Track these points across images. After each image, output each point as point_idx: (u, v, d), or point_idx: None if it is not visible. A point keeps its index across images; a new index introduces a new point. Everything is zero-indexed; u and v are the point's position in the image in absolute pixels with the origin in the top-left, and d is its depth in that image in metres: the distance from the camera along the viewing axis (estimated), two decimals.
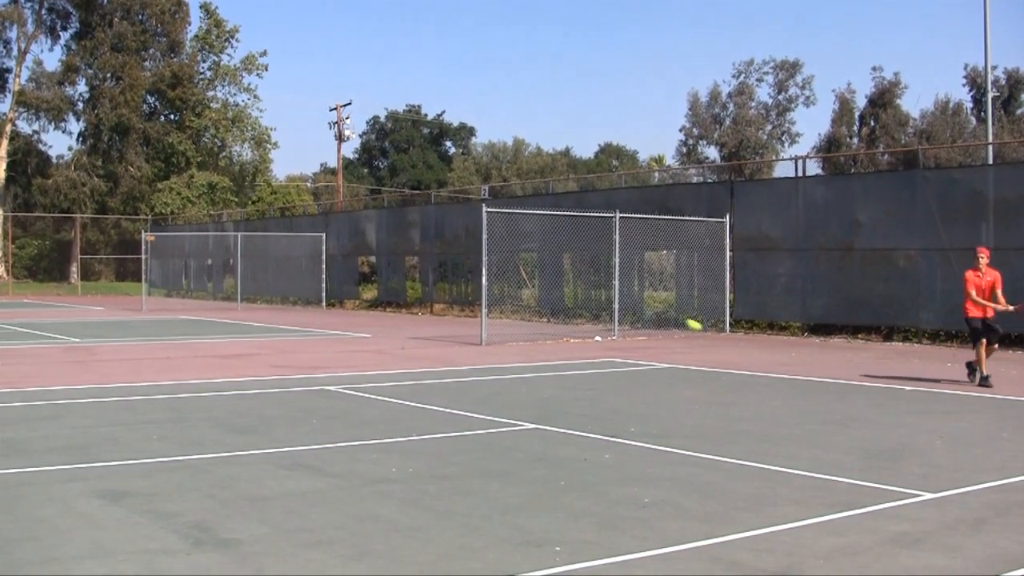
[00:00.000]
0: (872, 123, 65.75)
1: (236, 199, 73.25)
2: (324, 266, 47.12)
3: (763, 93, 75.13)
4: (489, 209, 26.01)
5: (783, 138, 75.59)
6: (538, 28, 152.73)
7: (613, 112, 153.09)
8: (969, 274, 17.93)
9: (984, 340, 17.30)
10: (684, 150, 76.18)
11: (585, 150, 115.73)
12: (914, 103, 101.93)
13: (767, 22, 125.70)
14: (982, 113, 57.89)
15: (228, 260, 53.62)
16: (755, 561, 6.84)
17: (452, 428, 12.32)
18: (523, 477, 9.53)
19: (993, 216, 25.57)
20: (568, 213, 30.80)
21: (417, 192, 78.39)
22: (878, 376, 18.50)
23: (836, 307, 28.23)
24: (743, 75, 74.68)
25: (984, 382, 17.02)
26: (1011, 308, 17.56)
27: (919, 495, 8.75)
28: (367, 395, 15.55)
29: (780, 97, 74.74)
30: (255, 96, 75.92)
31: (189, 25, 77.18)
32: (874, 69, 67.73)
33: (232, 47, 77.00)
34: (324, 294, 47.01)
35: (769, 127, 75.31)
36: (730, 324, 30.04)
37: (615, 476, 9.60)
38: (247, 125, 75.71)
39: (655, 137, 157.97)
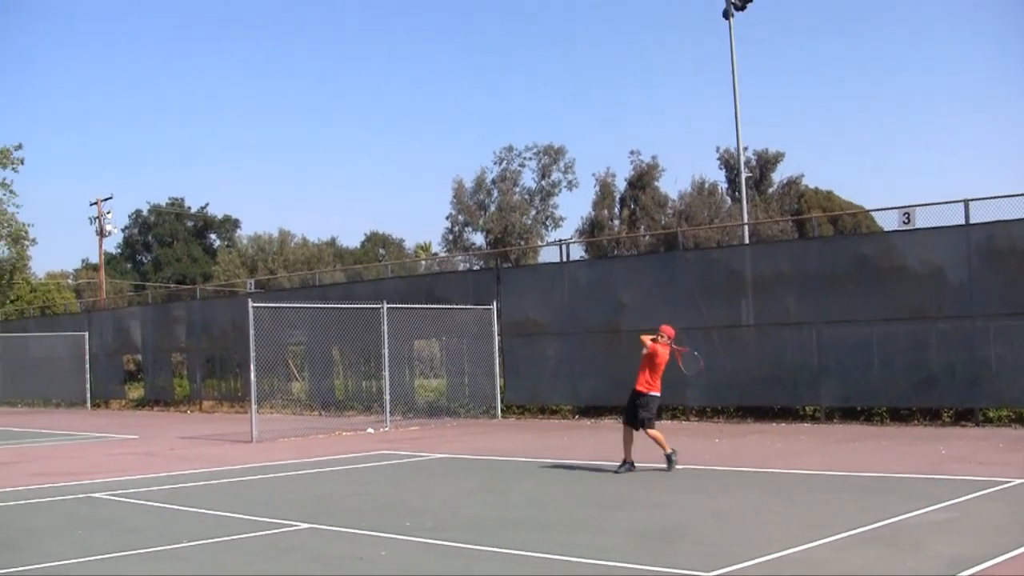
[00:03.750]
0: (632, 205, 67.28)
1: None
2: (88, 365, 45.62)
3: (527, 178, 76.23)
4: (255, 304, 25.66)
5: (547, 222, 76.71)
6: (297, 117, 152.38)
7: (378, 200, 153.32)
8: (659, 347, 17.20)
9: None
10: (451, 237, 76.62)
11: (352, 239, 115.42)
12: (672, 184, 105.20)
13: (529, 108, 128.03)
14: (736, 193, 59.93)
15: None
16: None
17: (224, 532, 11.99)
18: None
19: (752, 293, 26.41)
20: (335, 305, 30.64)
21: (182, 287, 77.05)
22: (645, 459, 18.77)
23: (605, 388, 28.58)
24: (505, 161, 75.61)
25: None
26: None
27: (695, 575, 8.88)
28: (136, 501, 15.07)
29: (544, 182, 75.90)
30: (11, 191, 73.31)
31: None
32: (632, 152, 69.52)
33: None
34: (88, 395, 45.46)
35: (533, 212, 76.40)
36: (502, 410, 30.14)
37: (391, 574, 9.49)
38: (3, 221, 73.22)
39: (422, 224, 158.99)
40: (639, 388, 16.95)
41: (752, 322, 26.44)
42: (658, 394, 17.00)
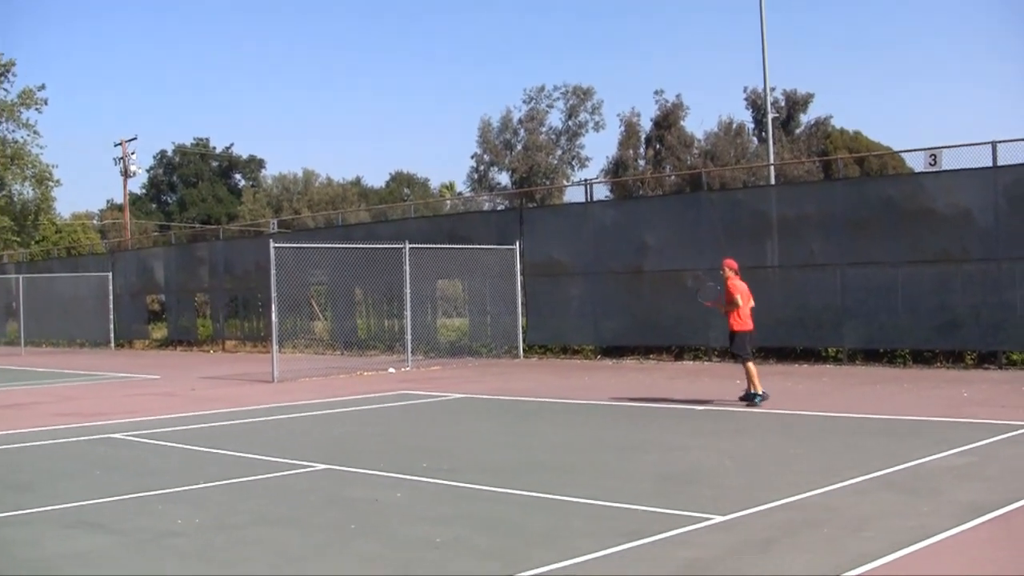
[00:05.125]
0: (658, 145, 66.90)
1: (18, 239, 70.85)
2: (112, 305, 45.84)
3: (554, 119, 75.87)
4: (277, 244, 25.62)
5: (573, 163, 76.47)
6: (325, 56, 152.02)
7: (404, 140, 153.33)
8: (740, 284, 17.86)
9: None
10: (475, 176, 76.43)
11: (376, 179, 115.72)
12: (698, 125, 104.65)
13: (557, 48, 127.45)
14: (763, 134, 59.46)
15: (11, 304, 51.67)
16: None
17: (242, 473, 12.02)
18: (314, 522, 9.32)
19: (777, 235, 26.25)
20: (357, 246, 30.57)
21: (207, 227, 77.07)
22: (668, 399, 18.75)
23: (628, 329, 28.60)
24: (534, 101, 75.26)
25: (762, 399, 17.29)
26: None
27: (710, 519, 8.84)
28: (155, 442, 15.11)
29: (570, 123, 75.59)
30: (35, 132, 73.17)
31: None
32: (656, 92, 68.98)
33: (8, 81, 74.32)
34: (112, 335, 45.71)
35: (559, 152, 76.09)
36: (524, 350, 30.15)
37: (407, 516, 9.47)
38: (27, 163, 73.24)
39: (446, 164, 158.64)
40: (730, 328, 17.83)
41: (777, 263, 26.28)
42: (744, 331, 17.68)
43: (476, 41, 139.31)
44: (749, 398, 17.27)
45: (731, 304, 17.59)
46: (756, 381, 17.29)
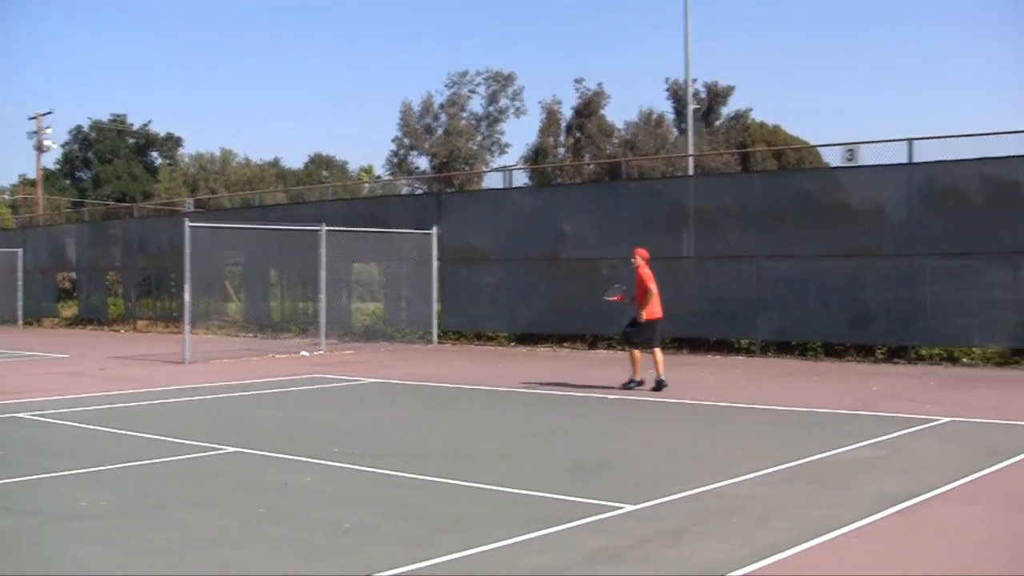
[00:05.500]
0: (578, 134, 66.98)
1: None
2: (21, 283, 45.00)
3: (476, 104, 75.66)
4: (192, 224, 25.34)
5: (493, 149, 76.33)
6: (246, 32, 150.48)
7: (323, 121, 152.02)
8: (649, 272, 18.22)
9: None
10: (395, 160, 76.05)
11: (295, 160, 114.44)
12: (619, 114, 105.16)
13: (480, 33, 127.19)
14: (683, 124, 59.71)
15: None
16: None
17: (149, 455, 11.82)
18: (222, 506, 9.21)
19: (694, 225, 26.39)
20: (274, 227, 30.33)
21: (121, 205, 76.09)
22: (581, 384, 18.78)
23: (543, 317, 28.64)
24: (456, 86, 74.96)
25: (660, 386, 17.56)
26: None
27: (621, 507, 8.83)
28: (61, 422, 14.84)
29: (491, 108, 75.43)
30: None
31: None
32: (577, 81, 69.02)
33: None
34: (20, 312, 44.90)
35: (480, 138, 75.91)
36: (438, 336, 30.05)
37: (317, 500, 9.38)
38: None
39: (366, 147, 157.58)
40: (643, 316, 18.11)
41: (693, 254, 26.44)
42: (656, 319, 18.07)
43: (399, 25, 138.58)
44: (630, 385, 17.90)
45: (646, 292, 17.71)
46: (638, 368, 17.91)
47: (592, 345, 27.50)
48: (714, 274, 25.96)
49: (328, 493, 9.73)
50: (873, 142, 24.26)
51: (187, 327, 25.09)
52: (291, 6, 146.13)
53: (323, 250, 27.41)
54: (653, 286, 17.71)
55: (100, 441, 13.12)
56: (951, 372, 21.30)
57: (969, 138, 22.76)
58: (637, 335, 17.97)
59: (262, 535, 8.09)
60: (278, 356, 26.11)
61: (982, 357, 22.71)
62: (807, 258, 24.59)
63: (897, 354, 23.34)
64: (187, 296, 24.89)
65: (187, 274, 24.54)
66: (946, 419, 14.20)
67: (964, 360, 22.73)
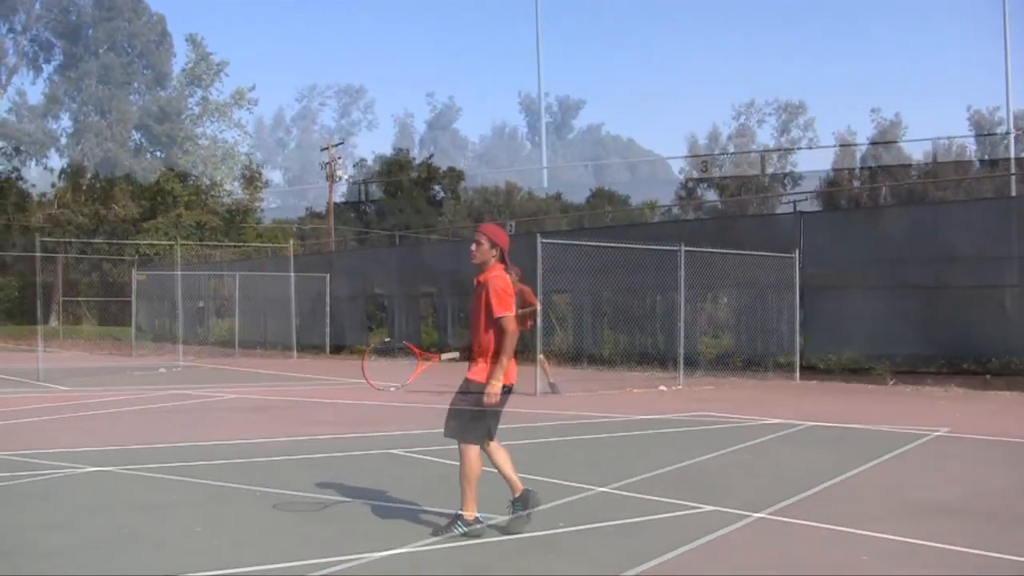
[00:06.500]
0: (432, 147, 64.68)
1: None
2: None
3: (327, 117, 73.61)
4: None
5: (345, 162, 74.19)
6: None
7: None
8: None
9: None
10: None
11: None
12: (472, 128, 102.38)
13: (329, 45, 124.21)
14: (536, 138, 57.43)
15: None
16: None
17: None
18: None
19: None
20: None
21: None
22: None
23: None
24: (306, 99, 74.16)
25: None
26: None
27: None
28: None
29: (343, 122, 73.41)
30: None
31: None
32: (429, 95, 67.96)
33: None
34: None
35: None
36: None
37: None
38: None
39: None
40: None
41: None
42: None
43: (249, 34, 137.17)
44: None
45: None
46: None
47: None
48: None
49: None
50: (729, 154, 21.39)
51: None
52: None
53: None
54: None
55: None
56: None
57: None
58: None
59: None
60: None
61: None
62: None
63: None
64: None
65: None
66: None
67: None
